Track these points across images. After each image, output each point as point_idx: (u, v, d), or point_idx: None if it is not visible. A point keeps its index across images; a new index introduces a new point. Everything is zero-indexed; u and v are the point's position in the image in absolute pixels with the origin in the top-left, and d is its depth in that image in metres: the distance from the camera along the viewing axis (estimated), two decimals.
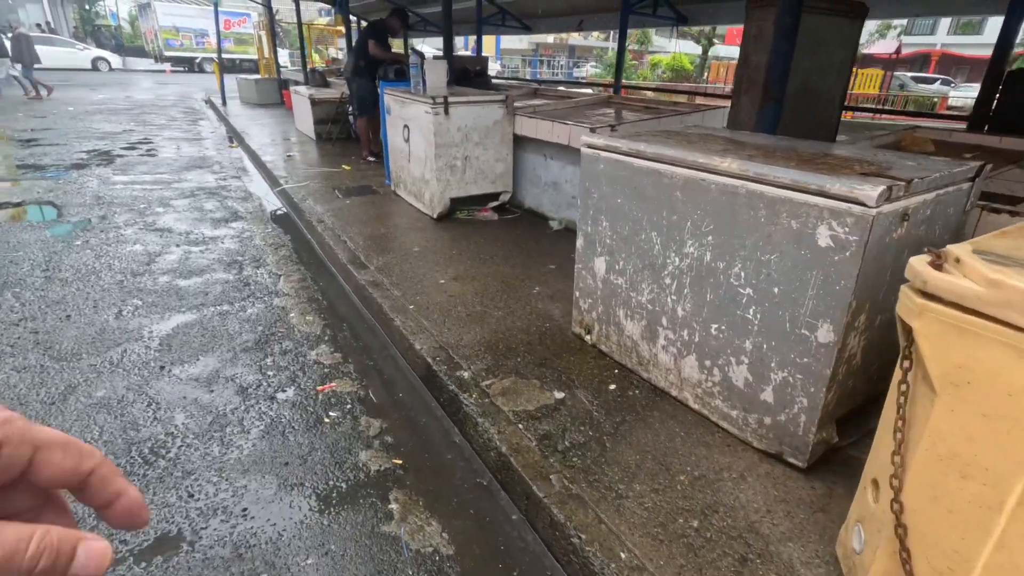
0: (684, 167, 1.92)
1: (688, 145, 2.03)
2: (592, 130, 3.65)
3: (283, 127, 9.33)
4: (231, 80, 13.61)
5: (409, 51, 5.77)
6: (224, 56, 16.55)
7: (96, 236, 4.03)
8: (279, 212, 5.03)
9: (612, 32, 38.29)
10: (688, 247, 1.96)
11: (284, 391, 2.33)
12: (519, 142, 4.55)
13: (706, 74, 30.42)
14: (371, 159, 6.53)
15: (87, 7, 33.98)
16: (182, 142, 8.29)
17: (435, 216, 4.39)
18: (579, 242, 2.49)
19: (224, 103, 12.39)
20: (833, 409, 1.75)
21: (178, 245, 3.94)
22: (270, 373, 2.45)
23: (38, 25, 24.99)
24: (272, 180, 5.93)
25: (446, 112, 4.11)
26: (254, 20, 26.49)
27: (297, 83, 12.07)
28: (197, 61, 26.29)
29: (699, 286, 1.96)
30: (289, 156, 6.93)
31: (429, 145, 4.21)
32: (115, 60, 24.34)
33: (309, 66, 12.21)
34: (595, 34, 45.24)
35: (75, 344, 2.56)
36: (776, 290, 1.71)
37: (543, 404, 2.14)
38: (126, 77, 21.55)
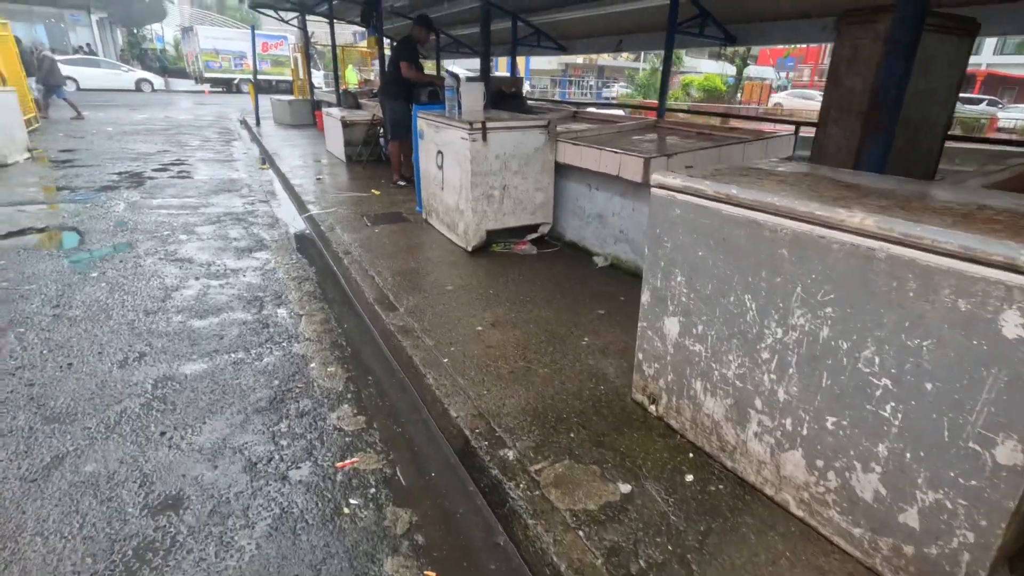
0: (793, 219, 1.54)
1: (793, 190, 1.65)
2: (647, 161, 3.29)
3: (314, 148, 9.23)
4: (265, 101, 13.74)
5: (444, 72, 5.53)
6: (260, 77, 16.85)
7: (114, 267, 3.82)
8: (305, 240, 4.79)
9: (644, 53, 38.13)
10: (796, 317, 1.57)
11: (298, 467, 1.99)
12: (560, 170, 4.22)
13: (739, 94, 29.91)
14: (402, 184, 6.29)
15: (135, 31, 35.48)
16: (214, 164, 8.24)
17: (469, 249, 4.07)
18: (645, 297, 2.11)
19: (258, 123, 12.47)
20: (1010, 547, 1.32)
21: (197, 278, 3.70)
22: (283, 443, 2.12)
23: (79, 48, 25.98)
24: (300, 205, 5.73)
25: (484, 139, 3.81)
26: (291, 42, 27.14)
27: (330, 104, 12.09)
28: (235, 82, 26.96)
29: (811, 367, 1.56)
30: (319, 179, 6.75)
31: (465, 173, 3.91)
32: (158, 81, 25.10)
33: (342, 87, 12.21)
34: (624, 55, 45.26)
35: (71, 400, 2.29)
36: (929, 386, 1.30)
37: (607, 501, 1.75)
38: (167, 98, 22.16)
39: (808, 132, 5.01)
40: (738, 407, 1.81)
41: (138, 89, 23.69)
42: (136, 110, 16.09)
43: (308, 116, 12.92)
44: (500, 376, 2.45)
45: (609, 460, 1.93)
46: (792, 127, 5.92)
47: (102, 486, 1.84)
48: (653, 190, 1.99)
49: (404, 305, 3.20)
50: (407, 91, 5.91)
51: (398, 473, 2.02)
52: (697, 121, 6.78)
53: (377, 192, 6.02)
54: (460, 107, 4.60)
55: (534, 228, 4.33)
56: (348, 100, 9.20)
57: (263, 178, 7.42)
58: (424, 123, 4.58)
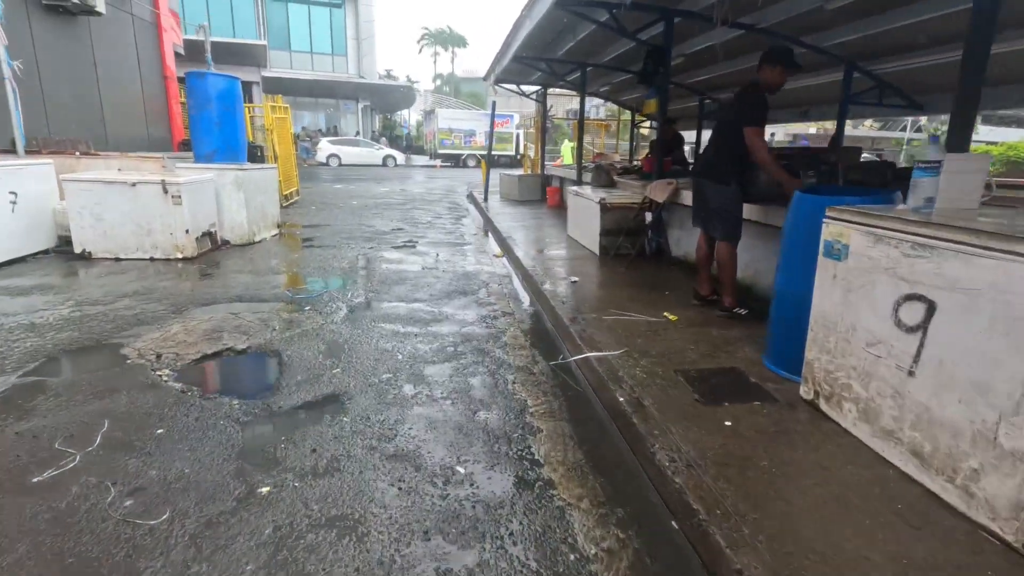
0: None
1: None
2: None
3: (551, 232, 7.72)
4: (494, 175, 13.19)
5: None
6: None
7: (297, 469, 2.20)
8: (594, 424, 2.79)
9: (895, 119, 31.68)
10: None
11: None
12: None
13: None
14: (725, 310, 3.96)
15: (389, 116, 41.44)
16: (444, 247, 7.12)
17: (1021, 545, 1.58)
18: None
19: (485, 199, 11.77)
20: None
21: (427, 537, 1.85)
22: None
23: (328, 129, 30.58)
24: (561, 329, 3.87)
25: None
26: (516, 121, 28.35)
27: (563, 179, 10.83)
28: (463, 157, 28.93)
29: None
30: (574, 282, 4.94)
31: None
32: (400, 157, 28.00)
33: (555, 163, 10.89)
34: (867, 122, 38.77)
35: None
36: None
37: None
38: (406, 171, 24.18)
39: None
40: None
41: (384, 164, 26.54)
42: (380, 183, 17.17)
43: (538, 192, 11.90)
44: None
45: None
46: None
47: None
48: None
49: None
50: (741, 172, 3.81)
51: None
52: None
53: (673, 317, 3.89)
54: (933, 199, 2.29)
55: None
56: (600, 177, 7.54)
57: (499, 271, 5.93)
58: (854, 231, 2.32)
